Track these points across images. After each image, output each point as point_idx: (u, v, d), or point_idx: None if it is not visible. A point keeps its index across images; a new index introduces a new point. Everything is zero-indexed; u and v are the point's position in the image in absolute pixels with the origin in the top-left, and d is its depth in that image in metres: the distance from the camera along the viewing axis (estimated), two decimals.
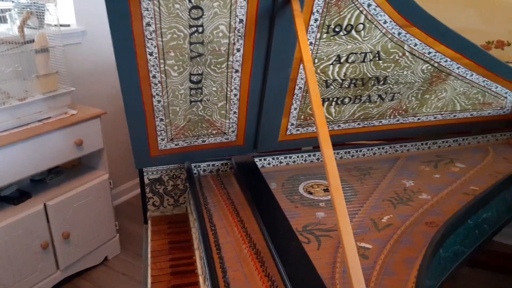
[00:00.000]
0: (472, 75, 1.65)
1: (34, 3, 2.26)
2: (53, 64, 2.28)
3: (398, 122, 1.79)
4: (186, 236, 1.53)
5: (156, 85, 1.34)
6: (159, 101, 1.39)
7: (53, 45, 2.25)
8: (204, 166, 1.69)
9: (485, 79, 1.68)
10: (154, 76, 1.31)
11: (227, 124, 1.56)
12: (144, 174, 1.64)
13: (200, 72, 1.36)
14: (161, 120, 1.45)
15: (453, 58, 1.56)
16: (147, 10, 1.15)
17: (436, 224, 1.37)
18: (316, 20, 1.32)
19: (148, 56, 1.25)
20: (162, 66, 1.29)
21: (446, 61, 1.57)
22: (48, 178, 2.42)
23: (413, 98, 1.70)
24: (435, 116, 1.80)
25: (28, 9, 2.23)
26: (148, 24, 1.18)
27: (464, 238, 1.41)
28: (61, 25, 2.54)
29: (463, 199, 1.51)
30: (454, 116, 1.82)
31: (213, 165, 1.70)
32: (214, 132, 1.58)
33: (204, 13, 1.21)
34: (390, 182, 1.63)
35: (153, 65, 1.28)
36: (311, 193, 1.58)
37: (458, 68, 1.61)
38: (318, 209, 1.47)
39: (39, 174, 2.29)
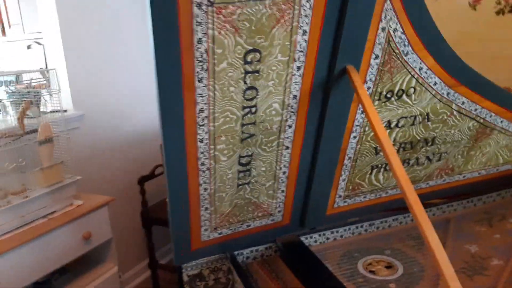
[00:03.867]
0: None
1: (35, 93, 2.14)
2: (57, 153, 2.12)
3: (444, 182, 1.70)
4: None
5: (204, 172, 1.20)
6: (205, 189, 1.25)
7: (57, 134, 2.11)
8: (248, 253, 1.52)
9: None
10: (202, 164, 1.18)
11: (273, 204, 1.42)
12: (183, 270, 1.45)
13: (250, 153, 1.24)
14: (206, 209, 1.30)
15: (497, 112, 1.52)
16: (201, 96, 1.05)
17: None
18: (368, 88, 1.25)
19: (198, 143, 1.13)
20: (212, 152, 1.17)
21: (491, 116, 1.52)
22: (53, 279, 2.15)
23: (459, 156, 1.63)
24: (479, 172, 1.73)
25: (26, 98, 2.11)
26: (201, 110, 1.07)
27: None
28: (58, 111, 2.42)
29: None
30: (497, 169, 1.75)
31: (256, 250, 1.53)
32: (260, 214, 1.43)
33: (259, 93, 1.12)
34: (453, 250, 1.50)
35: (203, 152, 1.16)
36: (373, 272, 1.42)
37: (501, 121, 1.56)
38: None
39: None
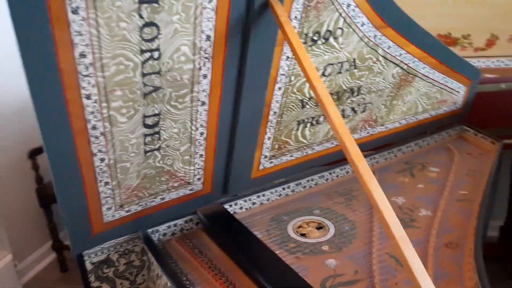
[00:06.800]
0: (434, 73, 1.58)
1: None
2: None
3: (368, 134, 1.64)
4: None
5: (98, 138, 0.95)
6: (102, 160, 0.99)
7: None
8: (164, 229, 1.31)
9: (444, 76, 1.62)
10: (94, 127, 0.92)
11: (192, 172, 1.22)
12: (85, 258, 1.20)
13: (156, 112, 1.01)
14: (106, 184, 1.05)
15: (420, 57, 1.46)
16: (80, 35, 0.77)
17: (456, 244, 1.21)
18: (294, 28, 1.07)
19: (84, 100, 0.86)
20: (105, 111, 0.91)
21: (414, 62, 1.46)
22: None
23: (382, 106, 1.56)
24: (400, 121, 1.69)
25: None
26: (83, 55, 0.80)
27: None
28: None
29: (461, 207, 1.40)
30: (416, 118, 1.74)
31: (174, 225, 1.33)
32: (176, 184, 1.22)
33: (161, 32, 0.87)
34: None
35: (92, 112, 0.89)
36: (304, 235, 1.31)
37: (423, 68, 1.51)
38: (325, 256, 1.21)
39: None
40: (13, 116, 2.40)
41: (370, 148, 1.70)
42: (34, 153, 2.37)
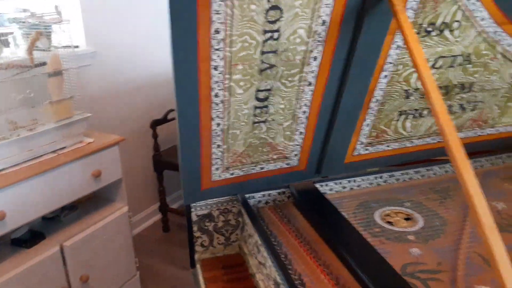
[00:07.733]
0: None
1: (42, 22, 2.04)
2: (66, 89, 2.04)
3: (475, 135, 1.57)
4: (249, 284, 1.28)
5: (217, 105, 1.10)
6: (218, 125, 1.15)
7: (66, 67, 2.01)
8: (259, 197, 1.45)
9: None
10: (216, 95, 1.08)
11: (290, 147, 1.33)
12: (192, 210, 1.39)
13: (268, 87, 1.13)
14: (218, 146, 1.21)
15: None
16: (218, 14, 0.92)
17: None
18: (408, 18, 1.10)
19: (212, 71, 1.02)
20: (227, 82, 1.06)
21: None
22: (62, 215, 2.15)
23: (495, 107, 1.49)
24: None
25: (37, 30, 2.00)
26: (217, 31, 0.95)
27: None
28: (69, 47, 2.32)
29: None
30: None
31: (268, 194, 1.46)
32: (275, 157, 1.34)
33: (283, 15, 0.98)
34: None
35: (217, 82, 1.05)
36: (391, 223, 1.34)
37: None
38: (409, 244, 1.23)
39: (52, 211, 2.02)
40: (139, 91, 2.80)
41: (475, 150, 1.63)
42: (155, 124, 2.73)
